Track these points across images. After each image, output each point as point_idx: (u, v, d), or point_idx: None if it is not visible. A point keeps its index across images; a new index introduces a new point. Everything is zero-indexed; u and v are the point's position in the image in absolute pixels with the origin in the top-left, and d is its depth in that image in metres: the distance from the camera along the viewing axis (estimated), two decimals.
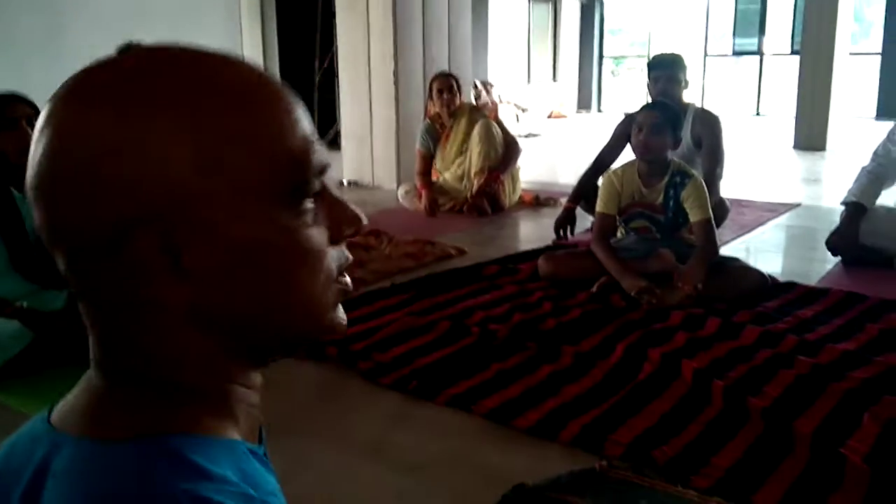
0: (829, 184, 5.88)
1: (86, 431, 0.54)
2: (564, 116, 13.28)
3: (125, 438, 0.52)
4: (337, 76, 6.96)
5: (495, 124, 4.94)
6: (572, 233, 4.06)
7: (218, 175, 0.53)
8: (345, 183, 6.09)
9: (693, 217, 3.18)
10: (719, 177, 3.75)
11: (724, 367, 2.45)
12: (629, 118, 3.77)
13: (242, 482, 0.52)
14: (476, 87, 9.47)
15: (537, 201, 5.17)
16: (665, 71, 3.87)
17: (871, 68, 12.16)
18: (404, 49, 5.68)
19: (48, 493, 0.52)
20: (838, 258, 3.58)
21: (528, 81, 13.09)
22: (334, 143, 7.27)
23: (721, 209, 3.72)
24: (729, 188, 4.21)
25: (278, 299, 0.57)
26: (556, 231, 4.04)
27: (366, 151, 6.02)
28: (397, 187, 5.42)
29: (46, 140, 0.53)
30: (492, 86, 10.26)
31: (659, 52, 4.09)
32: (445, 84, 4.90)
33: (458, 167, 4.96)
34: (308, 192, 0.57)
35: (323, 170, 0.59)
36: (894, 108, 11.22)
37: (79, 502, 0.50)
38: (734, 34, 14.48)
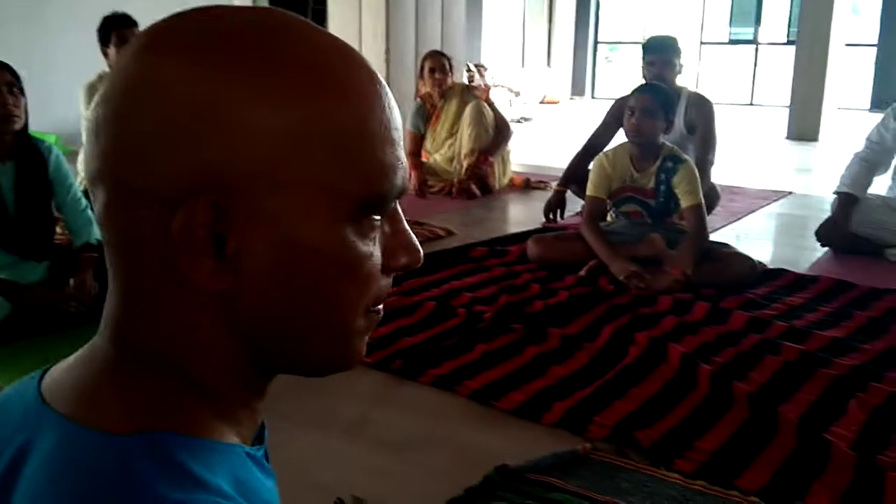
0: (821, 174, 5.86)
1: (78, 414, 0.50)
2: (557, 102, 13.23)
3: (119, 431, 0.48)
4: None
5: (487, 106, 4.90)
6: (562, 216, 4.04)
7: (297, 165, 0.48)
8: None
9: (684, 202, 3.16)
10: (711, 163, 3.73)
11: (712, 352, 2.43)
12: (621, 101, 3.74)
13: (238, 493, 0.49)
14: (469, 69, 9.41)
15: (528, 184, 5.14)
16: (660, 54, 3.83)
17: (867, 60, 12.14)
18: (396, 27, 5.63)
19: (26, 479, 0.48)
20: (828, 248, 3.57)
21: (522, 66, 13.03)
22: None
23: (712, 195, 3.69)
24: (721, 175, 4.18)
25: (318, 313, 0.52)
26: (546, 214, 4.01)
27: None
28: None
29: (131, 75, 0.49)
30: (485, 69, 10.21)
31: (654, 35, 4.05)
32: (437, 63, 4.85)
33: (448, 148, 4.92)
34: (380, 210, 0.53)
35: (402, 192, 0.54)
36: (888, 99, 11.19)
37: (58, 497, 0.46)
38: (730, 23, 14.44)
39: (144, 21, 4.34)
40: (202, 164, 0.47)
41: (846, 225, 3.53)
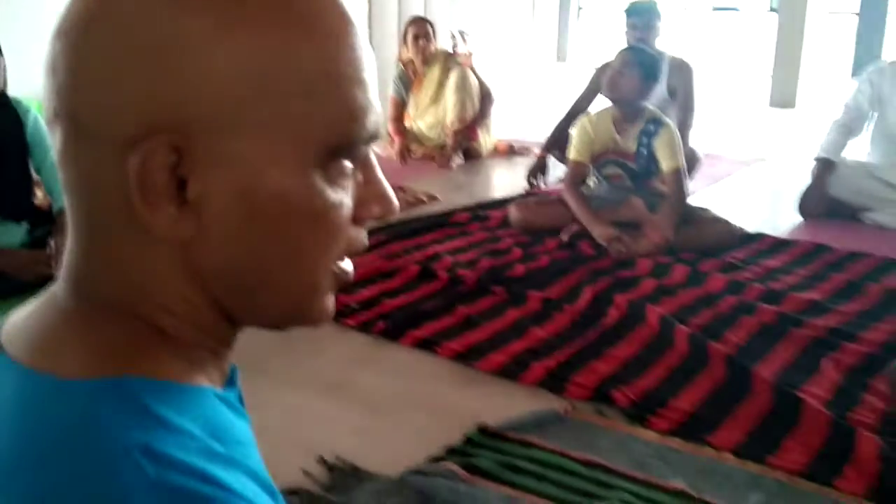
0: (801, 140, 5.89)
1: (38, 362, 0.48)
2: (542, 65, 13.16)
3: (79, 377, 0.46)
4: None
5: (471, 73, 4.88)
6: (545, 181, 4.05)
7: (262, 106, 0.46)
8: None
9: (665, 166, 3.18)
10: (690, 126, 3.75)
11: (690, 313, 2.47)
12: (605, 67, 3.74)
13: (208, 435, 0.47)
14: (453, 36, 9.34)
15: (511, 150, 5.14)
16: (642, 18, 3.85)
17: (850, 28, 12.14)
18: None
19: None
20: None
21: (503, 31, 12.93)
22: None
23: (692, 159, 3.71)
24: (702, 141, 4.20)
25: (282, 265, 0.51)
26: (529, 179, 4.02)
27: None
28: None
29: (88, 7, 0.47)
30: (468, 35, 10.13)
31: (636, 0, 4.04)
32: (421, 30, 4.82)
33: (431, 115, 4.90)
34: (351, 156, 0.51)
35: (374, 137, 0.52)
36: (868, 63, 11.21)
37: (17, 446, 0.45)
38: None
39: None
40: (161, 102, 0.45)
41: (823, 190, 3.56)
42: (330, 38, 0.49)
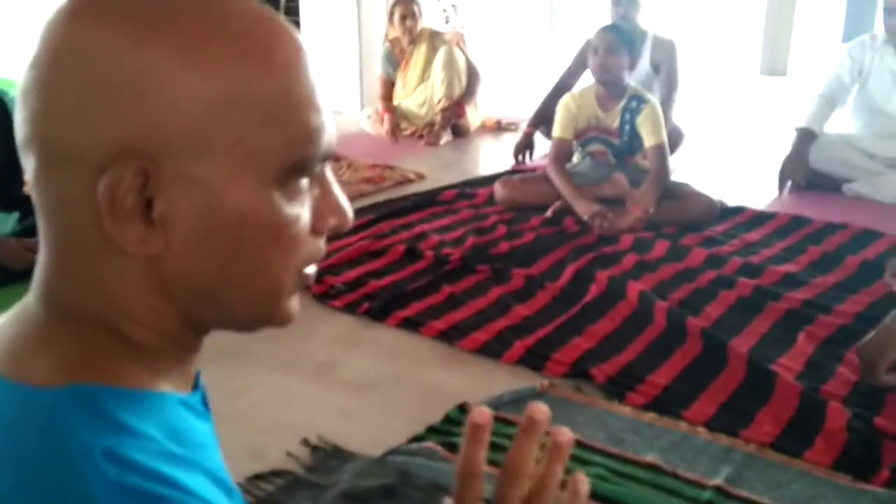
0: (788, 109, 5.91)
1: (6, 371, 0.52)
2: (534, 33, 13.09)
3: (47, 385, 0.50)
4: None
5: (458, 50, 4.90)
6: (531, 157, 4.08)
7: (222, 132, 0.50)
8: None
9: (647, 142, 3.21)
10: (674, 102, 3.78)
11: (669, 288, 2.51)
12: (588, 44, 3.76)
13: (168, 438, 0.51)
14: (445, 10, 9.30)
15: (499, 126, 5.16)
16: None
17: None
18: None
19: None
20: (788, 183, 3.64)
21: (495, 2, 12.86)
22: None
23: (675, 135, 3.75)
24: (689, 114, 4.23)
25: (244, 277, 0.55)
26: (516, 156, 4.06)
27: (328, 75, 5.95)
28: (360, 111, 5.38)
29: (60, 39, 0.50)
30: (459, 7, 10.08)
31: None
32: (408, 10, 4.83)
33: (420, 94, 4.92)
34: (306, 174, 0.55)
35: (328, 155, 0.56)
36: (860, 33, 11.19)
37: None
38: None
39: None
40: (129, 130, 0.49)
41: (804, 161, 3.60)
42: (285, 67, 0.53)
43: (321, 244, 0.59)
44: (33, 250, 2.51)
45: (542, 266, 2.73)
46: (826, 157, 3.60)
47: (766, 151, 4.37)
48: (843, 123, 3.80)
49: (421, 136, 4.83)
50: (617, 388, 1.96)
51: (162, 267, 0.53)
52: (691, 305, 2.39)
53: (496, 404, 1.87)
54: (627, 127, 3.26)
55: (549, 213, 3.22)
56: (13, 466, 0.48)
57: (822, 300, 2.42)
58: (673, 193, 3.18)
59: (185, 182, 0.50)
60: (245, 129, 0.51)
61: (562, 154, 3.34)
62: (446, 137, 4.78)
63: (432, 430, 1.78)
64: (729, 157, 4.43)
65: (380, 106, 5.00)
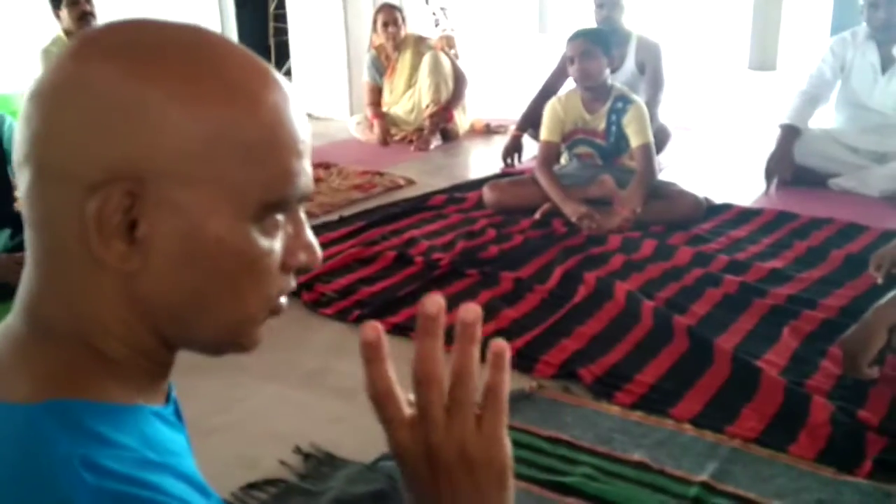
0: (777, 104, 5.94)
1: None
2: (523, 37, 13.12)
3: (26, 401, 0.53)
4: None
5: (444, 55, 4.93)
6: (520, 160, 4.11)
7: (208, 166, 0.54)
8: None
9: (633, 142, 3.24)
10: (659, 102, 3.81)
11: (656, 287, 2.54)
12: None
13: (143, 447, 0.54)
14: (434, 13, 9.32)
15: (488, 129, 5.20)
16: None
17: None
18: None
19: None
20: (774, 179, 3.67)
21: (484, 5, 12.88)
22: (287, 76, 7.20)
23: (662, 134, 3.78)
24: (675, 111, 4.26)
25: (216, 302, 0.58)
26: (504, 159, 4.09)
27: (317, 82, 5.98)
28: (350, 118, 5.41)
29: (66, 73, 0.55)
30: (447, 9, 10.09)
31: None
32: (390, 17, 4.87)
33: (408, 100, 4.95)
34: (282, 212, 0.59)
35: (304, 197, 0.60)
36: (847, 25, 11.22)
37: None
38: None
39: None
40: (121, 155, 0.53)
41: (789, 157, 3.63)
42: (271, 113, 0.57)
43: (290, 280, 0.63)
44: (23, 265, 2.53)
45: (530, 269, 2.75)
46: (811, 152, 3.63)
47: (754, 147, 4.39)
48: (826, 118, 3.83)
49: (411, 142, 4.86)
50: (605, 387, 1.99)
51: (138, 286, 0.56)
52: (678, 304, 2.41)
53: None
54: (614, 128, 3.29)
55: (537, 216, 3.25)
56: None
57: (807, 295, 2.45)
58: (660, 193, 3.21)
59: (168, 207, 0.54)
60: (229, 166, 0.55)
61: (549, 157, 3.37)
62: (436, 142, 4.81)
63: None
64: (717, 154, 4.46)
65: (368, 112, 5.03)
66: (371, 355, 0.65)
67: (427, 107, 4.81)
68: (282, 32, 7.68)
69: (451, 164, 4.49)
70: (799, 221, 3.16)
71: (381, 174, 4.08)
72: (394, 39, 4.88)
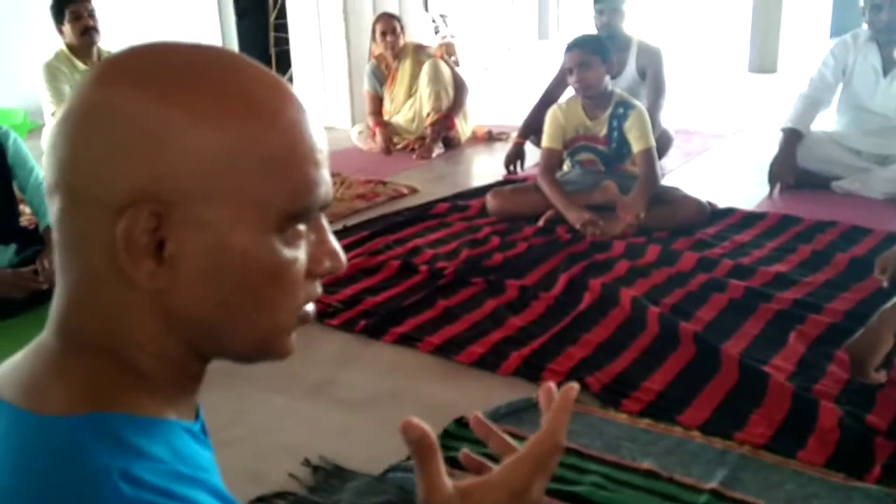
0: (778, 107, 5.95)
1: (26, 403, 0.57)
2: (523, 43, 13.15)
3: (64, 414, 0.55)
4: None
5: (443, 63, 4.94)
6: (522, 167, 4.12)
7: (230, 181, 0.56)
8: None
9: (636, 147, 3.25)
10: (661, 107, 3.82)
11: (661, 293, 2.54)
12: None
13: (175, 461, 0.56)
14: (434, 21, 9.36)
15: (490, 136, 5.20)
16: (609, 3, 3.91)
17: None
18: None
19: None
20: (778, 184, 3.67)
21: (484, 12, 12.92)
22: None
23: (664, 139, 3.79)
24: (678, 116, 4.27)
25: (245, 313, 0.60)
26: (507, 167, 4.09)
27: (318, 92, 5.99)
28: (351, 127, 5.42)
29: (89, 99, 0.57)
30: (447, 17, 10.13)
31: None
32: (388, 26, 4.88)
33: (409, 109, 4.96)
34: (305, 222, 0.61)
35: (325, 205, 0.62)
36: (847, 27, 11.23)
37: (11, 478, 0.53)
38: None
39: None
40: (146, 178, 0.55)
41: (792, 160, 3.63)
42: (289, 127, 0.59)
43: (317, 286, 0.65)
44: (31, 278, 2.54)
45: (535, 276, 2.75)
46: (813, 155, 3.64)
47: (757, 150, 4.40)
48: (828, 122, 3.84)
49: (413, 150, 4.87)
50: (612, 395, 1.99)
51: (168, 301, 0.58)
52: (683, 310, 2.41)
53: (494, 417, 1.89)
54: (615, 134, 3.29)
55: (541, 223, 3.26)
56: (33, 491, 0.53)
57: (813, 299, 2.45)
58: (663, 198, 3.22)
59: (193, 225, 0.56)
60: (250, 180, 0.57)
61: (551, 164, 3.38)
62: (438, 150, 4.82)
63: None
64: (720, 157, 4.46)
65: (370, 122, 5.04)
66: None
67: (428, 115, 4.82)
68: (282, 42, 7.70)
69: (453, 172, 4.49)
70: (803, 225, 3.16)
71: (384, 183, 4.08)
72: (392, 48, 4.90)
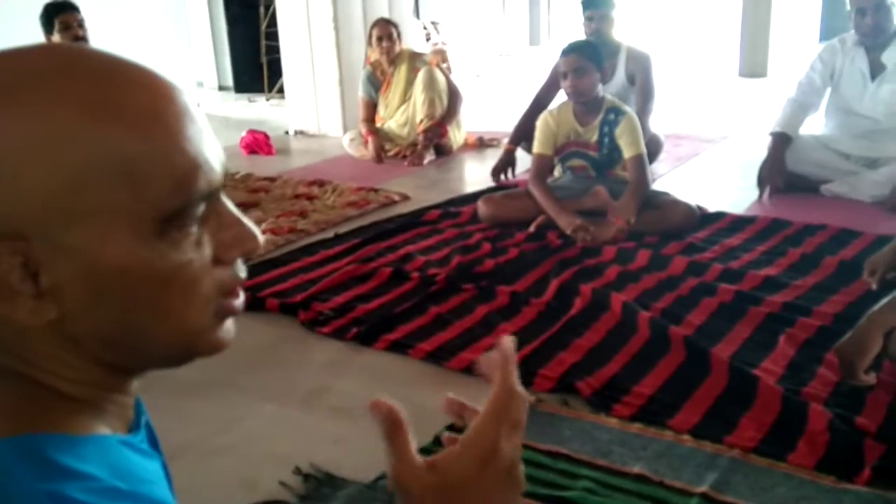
0: (768, 111, 5.98)
1: None
2: (515, 50, 13.20)
3: None
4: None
5: (438, 71, 4.96)
6: (513, 174, 4.13)
7: (86, 200, 0.51)
8: (291, 133, 6.07)
9: (626, 153, 3.27)
10: (650, 112, 3.84)
11: (652, 298, 2.55)
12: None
13: (111, 477, 0.53)
14: (425, 27, 9.38)
15: (481, 143, 5.22)
16: (598, 10, 3.94)
17: None
18: None
19: None
20: (767, 187, 3.69)
21: (476, 19, 12.96)
22: (281, 93, 7.23)
23: (654, 144, 3.81)
24: (668, 121, 4.29)
25: (150, 325, 0.56)
26: (495, 177, 4.10)
27: (309, 99, 6.00)
28: (343, 135, 5.43)
29: None
30: (439, 24, 10.16)
31: None
32: (385, 31, 4.90)
33: (402, 115, 4.98)
34: (188, 218, 0.55)
35: (212, 193, 0.57)
36: (836, 31, 11.28)
37: None
38: None
39: (86, 7, 4.35)
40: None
41: (781, 164, 3.65)
42: (139, 120, 0.52)
43: (234, 271, 0.60)
44: None
45: (526, 282, 2.76)
46: (802, 159, 3.66)
47: (747, 154, 4.42)
48: (817, 125, 3.86)
49: (404, 157, 4.87)
50: (603, 400, 1.99)
51: (66, 328, 0.55)
52: (674, 314, 2.42)
53: None
54: (606, 140, 3.31)
55: (532, 229, 3.26)
56: None
57: (802, 302, 2.46)
58: (653, 202, 3.23)
59: (61, 252, 0.52)
60: (108, 194, 0.51)
61: (543, 170, 3.39)
62: (429, 157, 4.83)
63: (422, 452, 1.79)
64: (710, 162, 4.48)
65: (363, 129, 5.05)
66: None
67: (421, 122, 4.83)
68: (274, 50, 7.71)
69: (445, 179, 4.50)
70: (792, 228, 3.17)
71: (375, 190, 4.09)
72: (388, 54, 4.91)
